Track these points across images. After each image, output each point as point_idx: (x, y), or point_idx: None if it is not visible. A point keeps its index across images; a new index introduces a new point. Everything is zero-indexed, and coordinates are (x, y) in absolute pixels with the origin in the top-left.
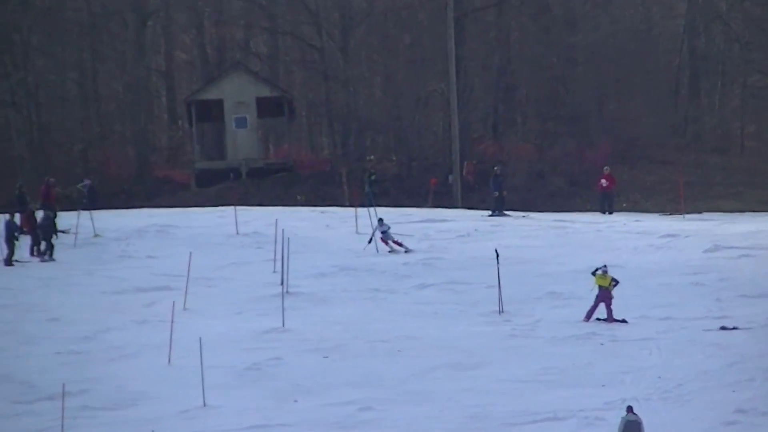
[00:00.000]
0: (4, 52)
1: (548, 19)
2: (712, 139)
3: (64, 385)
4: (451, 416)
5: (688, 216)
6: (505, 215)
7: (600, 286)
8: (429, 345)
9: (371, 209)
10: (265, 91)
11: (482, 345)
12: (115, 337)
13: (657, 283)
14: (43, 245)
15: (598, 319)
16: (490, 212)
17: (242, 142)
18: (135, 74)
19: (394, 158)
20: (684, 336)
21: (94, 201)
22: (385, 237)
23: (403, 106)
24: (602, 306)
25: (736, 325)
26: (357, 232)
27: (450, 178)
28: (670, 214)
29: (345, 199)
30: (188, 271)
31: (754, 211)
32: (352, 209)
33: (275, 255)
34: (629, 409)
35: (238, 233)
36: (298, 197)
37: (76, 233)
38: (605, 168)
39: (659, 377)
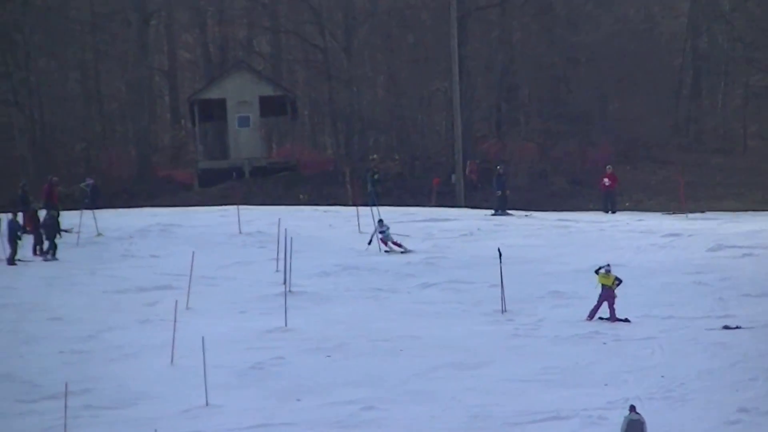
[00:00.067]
0: (7, 51)
1: (551, 19)
2: (714, 138)
3: (66, 384)
4: (453, 416)
5: (690, 215)
6: (508, 214)
7: (603, 285)
8: (431, 344)
9: (374, 209)
10: (268, 91)
11: (485, 344)
12: (118, 336)
13: (660, 282)
14: (45, 244)
15: (600, 318)
16: (493, 211)
17: (245, 142)
18: (137, 73)
19: (397, 157)
20: (687, 335)
21: (96, 200)
22: (385, 238)
23: (406, 105)
24: (605, 305)
25: (738, 324)
26: (360, 232)
27: (453, 177)
28: (673, 214)
29: (348, 198)
30: (191, 270)
31: (756, 210)
32: (355, 208)
33: (278, 254)
34: (632, 408)
35: (240, 232)
36: (301, 196)
37: (78, 233)
38: (608, 167)
39: (662, 376)
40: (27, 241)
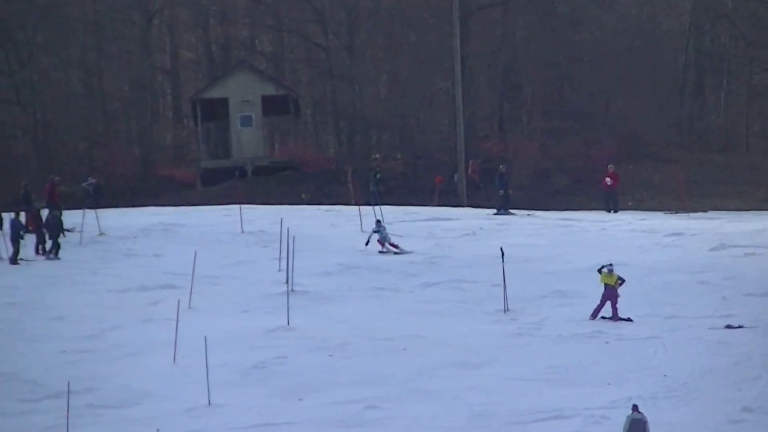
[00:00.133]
0: (9, 50)
1: (553, 18)
2: (717, 137)
3: (69, 383)
4: (456, 414)
5: (693, 214)
6: (511, 214)
7: (606, 285)
8: (434, 343)
9: (377, 208)
10: (271, 90)
11: (487, 343)
12: (121, 335)
13: (662, 281)
14: (48, 244)
15: (603, 317)
16: (495, 211)
17: (247, 141)
18: (140, 73)
19: (400, 157)
20: (689, 334)
21: (99, 200)
22: (382, 238)
23: (408, 104)
24: (608, 304)
25: (741, 323)
26: (362, 231)
27: (455, 176)
28: (676, 213)
29: (350, 197)
30: (193, 269)
31: (759, 209)
32: (357, 208)
33: (280, 253)
34: (635, 407)
35: (243, 232)
36: (304, 196)
37: (81, 232)
38: (609, 166)
39: (665, 376)
40: (29, 241)
